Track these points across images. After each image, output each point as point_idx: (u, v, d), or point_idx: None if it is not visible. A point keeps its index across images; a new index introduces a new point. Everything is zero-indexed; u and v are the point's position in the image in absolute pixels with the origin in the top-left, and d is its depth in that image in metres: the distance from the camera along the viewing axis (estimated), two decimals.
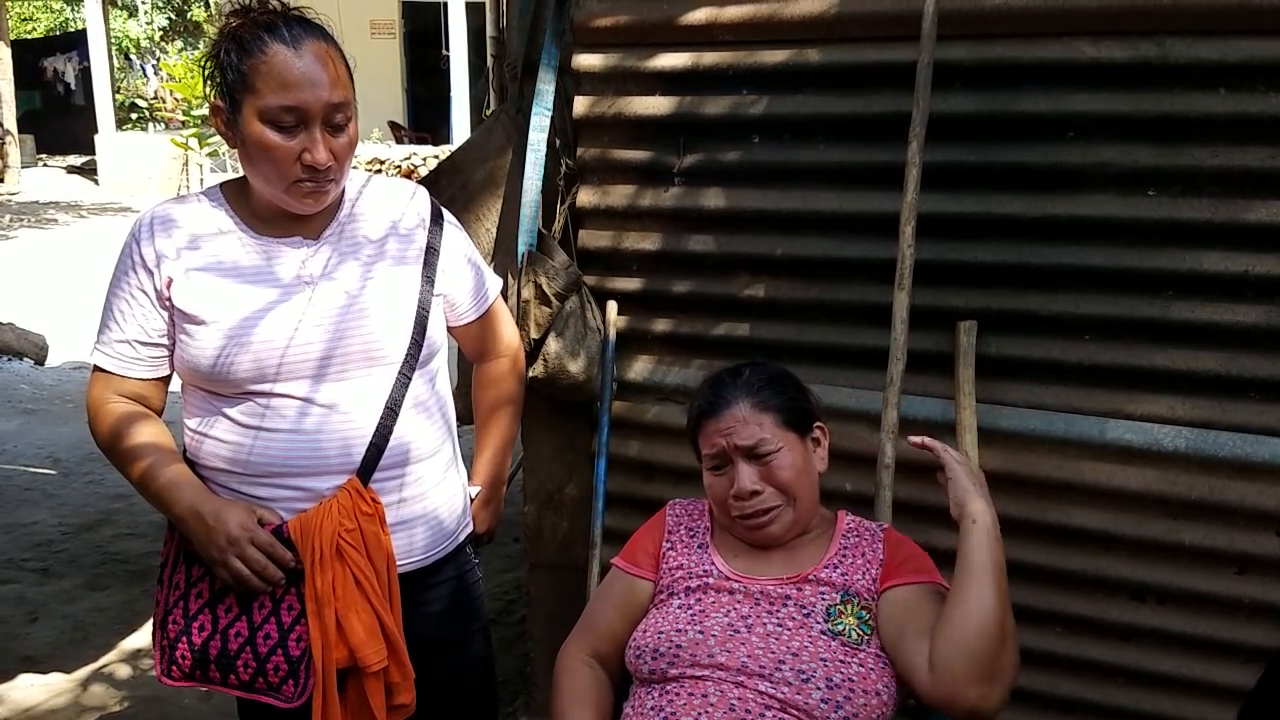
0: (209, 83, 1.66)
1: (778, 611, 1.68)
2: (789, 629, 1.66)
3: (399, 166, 13.35)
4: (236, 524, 1.64)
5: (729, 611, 1.70)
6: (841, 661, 1.62)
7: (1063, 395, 2.20)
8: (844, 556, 1.74)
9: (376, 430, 1.71)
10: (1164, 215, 2.08)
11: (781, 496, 1.73)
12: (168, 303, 1.68)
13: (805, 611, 1.68)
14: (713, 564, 1.78)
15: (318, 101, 1.59)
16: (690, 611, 1.72)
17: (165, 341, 1.71)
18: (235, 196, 1.74)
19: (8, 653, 3.55)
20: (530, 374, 2.39)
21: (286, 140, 1.60)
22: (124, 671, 3.46)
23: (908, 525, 2.24)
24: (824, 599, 1.69)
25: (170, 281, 1.67)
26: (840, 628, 1.66)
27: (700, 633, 1.68)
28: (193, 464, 1.74)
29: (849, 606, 1.68)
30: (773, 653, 1.63)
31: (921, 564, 1.75)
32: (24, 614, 3.86)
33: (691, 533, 1.85)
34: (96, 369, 1.75)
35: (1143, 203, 2.10)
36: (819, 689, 1.59)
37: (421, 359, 1.77)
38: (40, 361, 7.79)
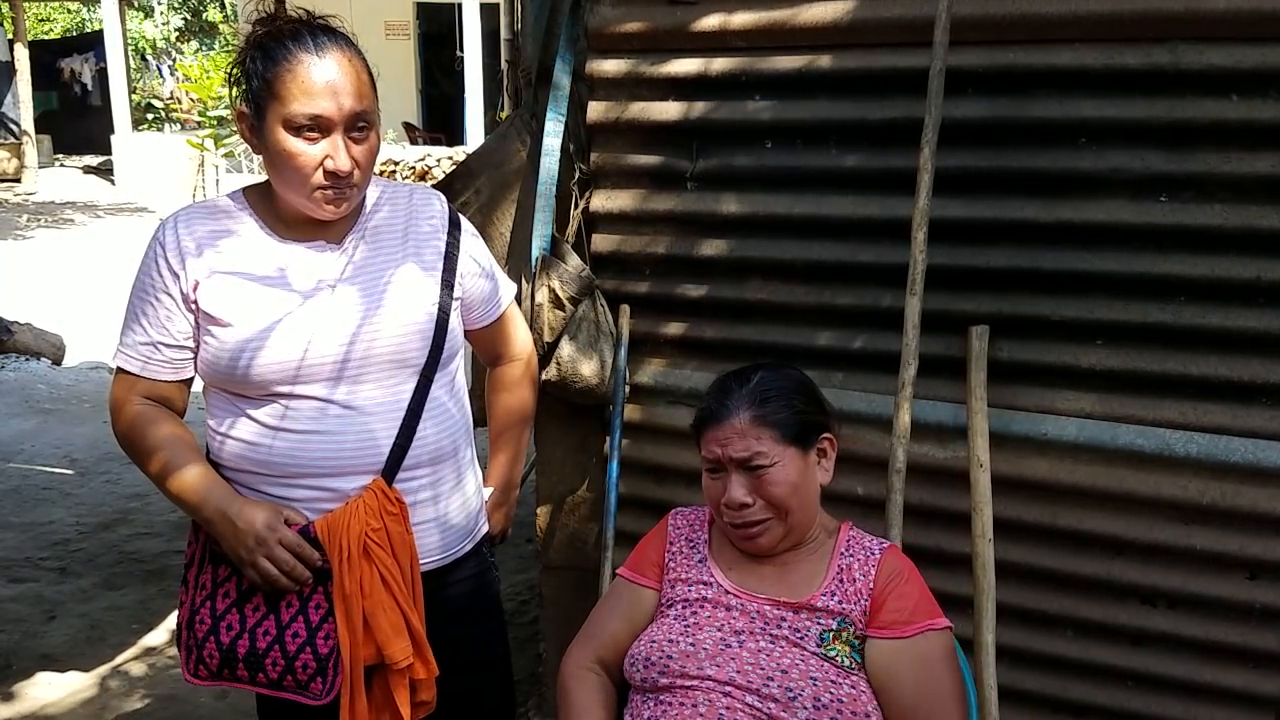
0: (234, 89, 1.69)
1: (771, 630, 1.68)
2: (781, 647, 1.66)
3: (413, 168, 13.39)
4: (264, 524, 1.67)
5: (723, 626, 1.70)
6: (832, 682, 1.62)
7: (1074, 400, 2.21)
8: (840, 581, 1.71)
9: (400, 431, 1.75)
10: (1176, 221, 2.09)
11: (771, 510, 1.70)
12: (194, 305, 1.70)
13: (799, 634, 1.67)
14: (712, 576, 1.77)
15: (340, 110, 1.62)
16: (685, 623, 1.72)
17: (190, 344, 1.74)
18: (259, 201, 1.77)
19: (26, 651, 3.58)
20: (543, 377, 2.41)
21: (309, 147, 1.63)
22: (140, 670, 3.50)
23: (919, 529, 2.26)
24: (819, 624, 1.68)
25: (197, 285, 1.69)
26: (833, 653, 1.65)
27: (692, 645, 1.68)
28: (216, 465, 1.77)
29: (844, 634, 1.67)
30: (762, 668, 1.63)
31: (910, 604, 1.69)
32: (42, 612, 3.89)
33: (691, 544, 1.84)
34: (119, 370, 1.77)
35: (1155, 208, 2.10)
36: (805, 708, 1.59)
37: (442, 361, 1.80)
38: (57, 362, 7.84)
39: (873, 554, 1.74)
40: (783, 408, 1.71)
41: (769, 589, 1.73)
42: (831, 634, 1.67)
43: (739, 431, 1.69)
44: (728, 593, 1.74)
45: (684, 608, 1.75)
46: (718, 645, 1.67)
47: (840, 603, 1.69)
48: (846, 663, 1.65)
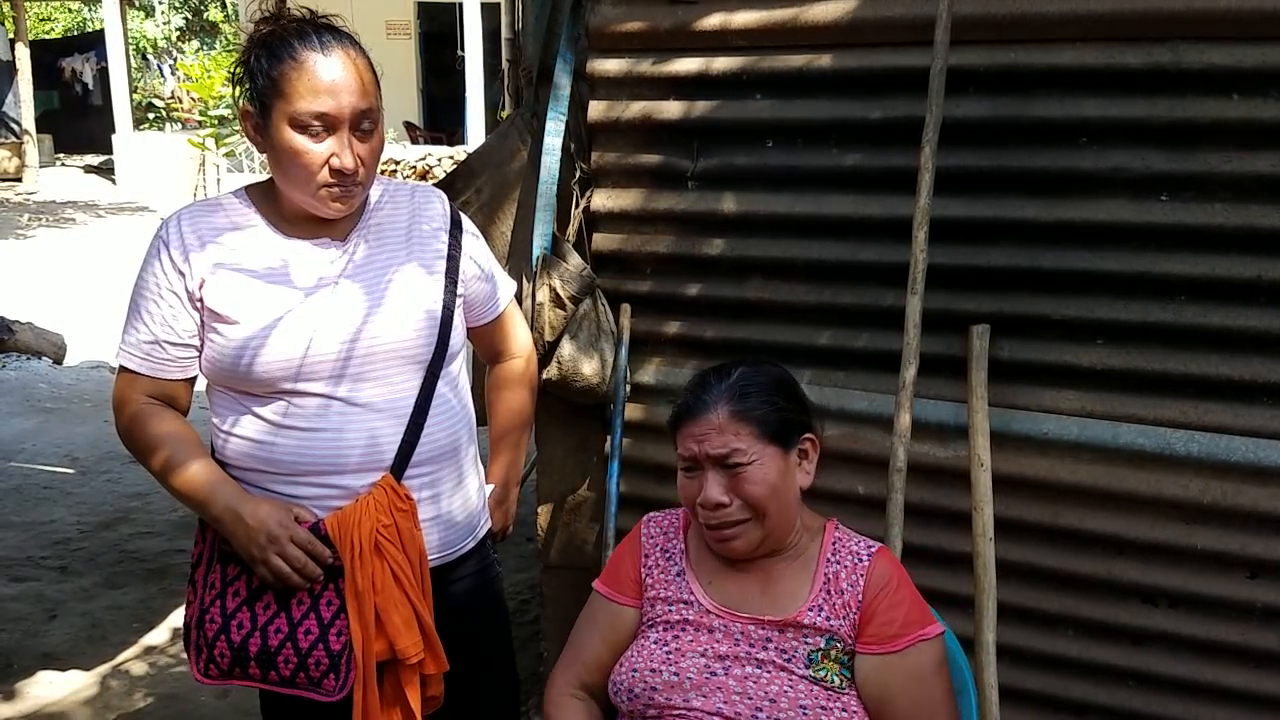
0: (238, 87, 1.69)
1: (757, 654, 1.61)
2: (769, 673, 1.60)
3: (414, 167, 13.37)
4: (276, 522, 1.67)
5: (706, 651, 1.63)
6: (822, 708, 1.57)
7: (1075, 399, 2.21)
8: (827, 593, 1.63)
9: (407, 428, 1.75)
10: (1177, 220, 2.09)
11: (749, 510, 1.61)
12: (199, 303, 1.70)
13: (786, 656, 1.60)
14: (691, 594, 1.69)
15: (346, 108, 1.63)
16: (666, 649, 1.66)
17: (195, 342, 1.74)
18: (262, 198, 1.77)
19: (27, 650, 3.58)
20: (544, 377, 2.41)
21: (315, 145, 1.63)
22: (142, 669, 3.50)
23: (920, 529, 2.26)
24: (806, 644, 1.61)
25: (203, 283, 1.69)
26: (822, 674, 1.59)
27: (675, 674, 1.62)
28: (222, 464, 1.77)
29: (832, 651, 1.60)
30: (750, 698, 1.58)
31: (900, 615, 1.61)
32: (43, 611, 3.89)
33: (668, 555, 1.75)
34: (122, 369, 1.77)
35: (1156, 208, 2.10)
36: None
37: (446, 359, 1.81)
38: (59, 361, 7.84)
39: (861, 560, 1.65)
40: (763, 403, 1.63)
41: (753, 605, 1.66)
42: (820, 653, 1.60)
43: (716, 427, 1.61)
44: (709, 612, 1.66)
45: (664, 630, 1.68)
46: (702, 674, 1.61)
47: (828, 618, 1.61)
48: (837, 681, 1.59)
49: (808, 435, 1.69)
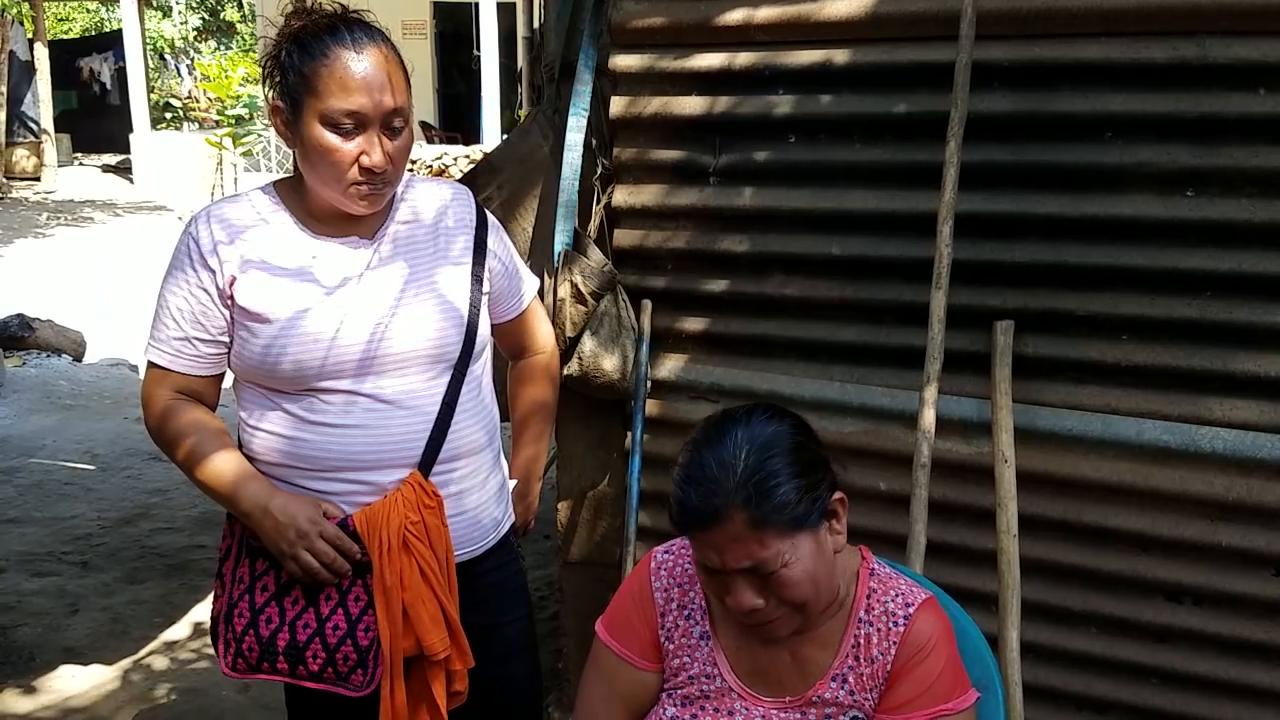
0: (268, 82, 1.69)
1: None
2: None
3: (430, 166, 13.40)
4: (305, 518, 1.67)
5: None
6: None
7: (1099, 396, 2.20)
8: (855, 659, 1.51)
9: (434, 425, 1.75)
10: (1202, 215, 2.07)
11: (787, 605, 1.45)
12: (229, 301, 1.71)
13: None
14: (716, 666, 1.57)
15: (377, 106, 1.63)
16: None
17: (225, 339, 1.74)
18: (290, 195, 1.77)
19: (49, 644, 3.61)
20: (565, 372, 2.42)
21: (345, 143, 1.63)
22: (163, 663, 3.51)
23: (943, 525, 2.25)
24: None
25: (233, 280, 1.70)
26: None
27: None
28: (250, 459, 1.77)
29: None
30: None
31: (924, 687, 1.49)
32: (64, 606, 3.92)
33: (687, 613, 1.60)
34: (152, 365, 1.77)
35: (1181, 203, 2.09)
36: None
37: (473, 356, 1.81)
38: (78, 358, 7.89)
39: (896, 624, 1.51)
40: (784, 495, 1.40)
41: (783, 674, 1.55)
42: None
43: (735, 537, 1.39)
44: (731, 690, 1.56)
45: (683, 707, 1.59)
46: None
47: (851, 692, 1.50)
48: None
49: (837, 495, 1.49)
